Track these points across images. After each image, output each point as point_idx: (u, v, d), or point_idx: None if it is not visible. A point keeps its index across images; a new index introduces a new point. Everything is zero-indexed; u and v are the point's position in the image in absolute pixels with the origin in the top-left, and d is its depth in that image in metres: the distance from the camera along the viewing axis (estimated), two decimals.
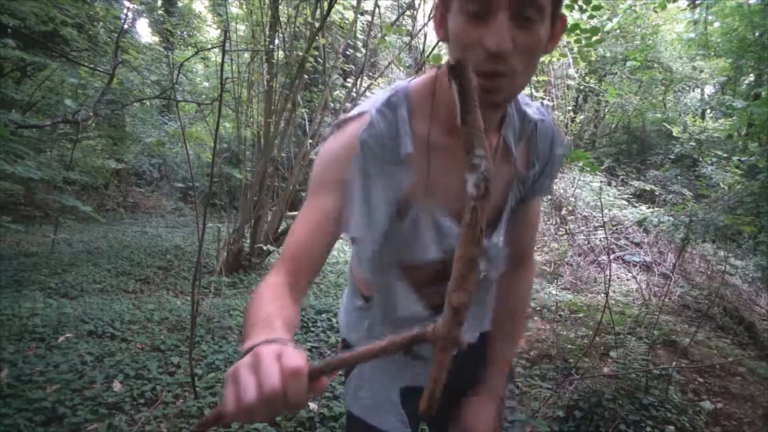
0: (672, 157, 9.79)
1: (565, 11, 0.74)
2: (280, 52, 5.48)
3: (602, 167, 9.00)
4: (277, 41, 5.37)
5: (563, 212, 6.75)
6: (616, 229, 6.22)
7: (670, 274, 4.99)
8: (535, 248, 1.05)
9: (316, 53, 5.45)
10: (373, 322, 0.97)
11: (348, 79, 8.46)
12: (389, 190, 0.78)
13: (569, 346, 3.17)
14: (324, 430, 2.15)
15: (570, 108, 10.17)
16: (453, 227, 0.82)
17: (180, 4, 11.60)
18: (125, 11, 7.44)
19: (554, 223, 6.76)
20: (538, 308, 4.06)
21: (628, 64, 10.27)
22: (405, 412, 0.95)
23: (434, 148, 0.79)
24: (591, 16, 2.92)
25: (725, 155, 7.28)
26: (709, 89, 12.00)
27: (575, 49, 3.67)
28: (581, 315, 3.80)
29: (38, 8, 4.86)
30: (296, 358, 0.50)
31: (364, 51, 8.15)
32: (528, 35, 0.64)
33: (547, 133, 0.88)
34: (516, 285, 1.02)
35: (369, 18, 7.29)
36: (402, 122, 0.77)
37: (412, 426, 0.97)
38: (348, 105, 6.13)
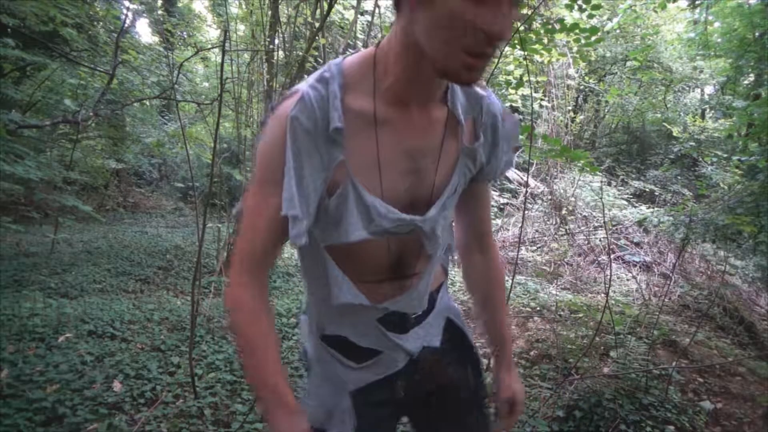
0: (672, 157, 9.80)
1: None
2: (280, 52, 5.48)
3: (602, 167, 9.00)
4: (277, 41, 5.37)
5: (563, 212, 6.75)
6: (616, 229, 6.22)
7: (670, 274, 4.99)
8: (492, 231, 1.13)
9: (316, 53, 5.45)
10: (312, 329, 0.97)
11: None
12: (320, 169, 0.76)
13: (569, 346, 3.17)
14: None
15: (570, 108, 10.17)
16: (384, 208, 0.80)
17: (180, 4, 11.60)
18: (125, 11, 7.44)
19: (554, 223, 6.76)
20: (538, 308, 4.06)
21: (628, 64, 10.28)
22: (370, 408, 0.92)
23: (369, 123, 0.77)
24: (590, 16, 2.92)
25: (725, 155, 7.28)
26: (709, 89, 12.00)
27: (575, 49, 3.67)
28: (581, 315, 3.80)
29: (38, 8, 4.85)
30: None
31: None
32: (512, 20, 0.66)
33: (494, 108, 0.89)
34: (485, 267, 1.04)
35: (369, 18, 7.29)
36: (333, 96, 0.75)
37: (385, 415, 0.95)
38: None
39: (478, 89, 0.87)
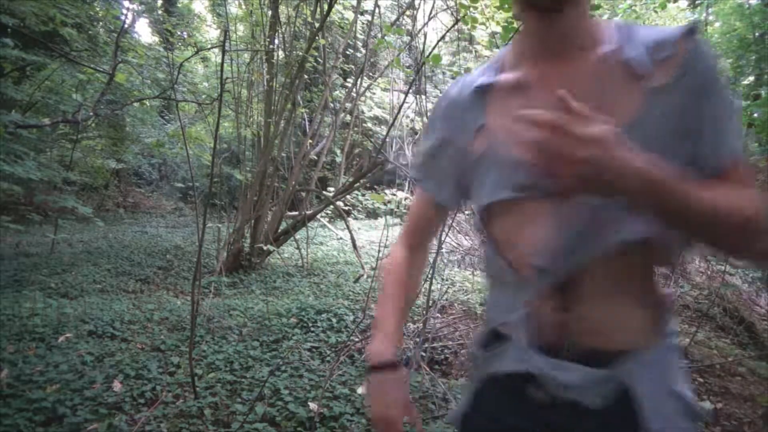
0: None
1: None
2: (280, 52, 5.48)
3: None
4: (277, 41, 5.37)
5: None
6: None
7: (670, 274, 4.99)
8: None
9: (316, 53, 5.45)
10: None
11: (348, 79, 8.46)
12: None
13: None
14: (324, 430, 2.16)
15: None
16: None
17: (180, 4, 11.60)
18: (125, 11, 7.44)
19: None
20: None
21: None
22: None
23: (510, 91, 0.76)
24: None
25: None
26: None
27: None
28: None
29: (38, 8, 4.85)
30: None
31: (364, 51, 8.15)
32: None
33: (708, 62, 0.66)
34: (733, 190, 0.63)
35: (369, 18, 7.30)
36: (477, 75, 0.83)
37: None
38: (347, 105, 6.14)
39: (676, 33, 0.67)
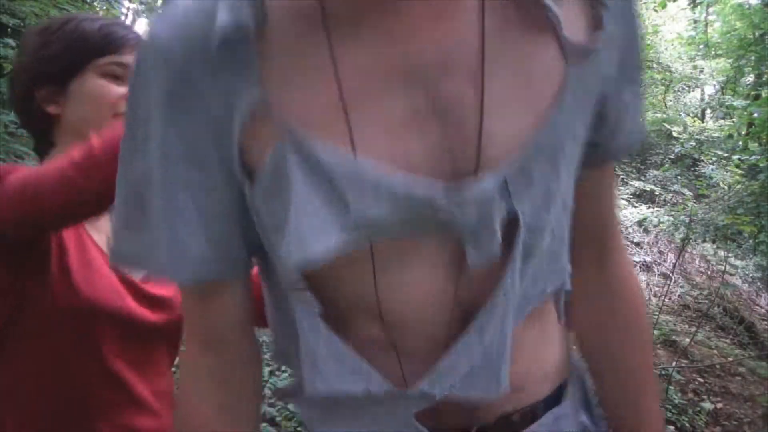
0: (672, 157, 9.81)
1: None
2: None
3: None
4: None
5: None
6: None
7: (670, 274, 4.99)
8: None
9: None
10: None
11: None
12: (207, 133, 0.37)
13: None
14: None
15: None
16: (376, 173, 0.34)
17: None
18: (125, 11, 7.46)
19: None
20: None
21: None
22: None
23: (314, 25, 0.35)
24: None
25: (725, 155, 7.30)
26: (709, 89, 12.02)
27: None
28: None
29: (38, 8, 4.86)
30: None
31: None
32: None
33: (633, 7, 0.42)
34: (604, 296, 0.52)
35: None
36: None
37: None
38: None
39: None
